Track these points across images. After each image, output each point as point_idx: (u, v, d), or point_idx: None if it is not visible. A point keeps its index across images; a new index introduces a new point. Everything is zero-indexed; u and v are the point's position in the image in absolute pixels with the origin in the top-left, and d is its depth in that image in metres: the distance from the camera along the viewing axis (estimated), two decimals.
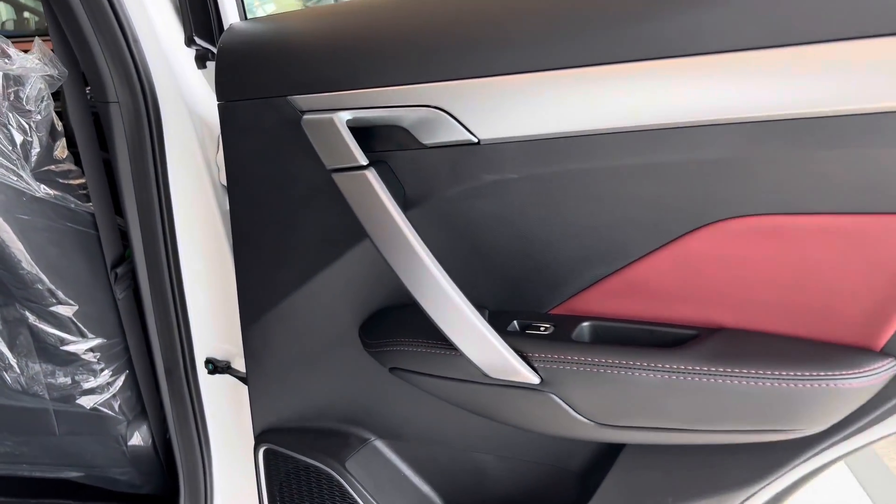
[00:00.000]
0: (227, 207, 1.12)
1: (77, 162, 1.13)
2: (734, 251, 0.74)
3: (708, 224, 0.74)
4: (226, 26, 0.95)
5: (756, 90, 0.64)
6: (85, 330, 1.16)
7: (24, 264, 1.05)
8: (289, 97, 0.84)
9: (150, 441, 1.31)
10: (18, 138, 1.00)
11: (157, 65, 1.02)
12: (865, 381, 0.67)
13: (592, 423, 0.78)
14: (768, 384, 0.68)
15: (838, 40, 0.60)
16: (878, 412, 0.72)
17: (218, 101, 0.90)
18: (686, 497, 0.83)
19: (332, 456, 1.01)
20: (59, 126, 1.10)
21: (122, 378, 1.24)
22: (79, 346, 1.17)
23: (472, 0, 0.77)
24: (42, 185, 1.04)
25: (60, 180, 1.09)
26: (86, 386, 1.20)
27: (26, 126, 1.01)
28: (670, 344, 0.76)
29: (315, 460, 1.02)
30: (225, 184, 1.11)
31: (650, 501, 0.86)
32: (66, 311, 1.12)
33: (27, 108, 1.01)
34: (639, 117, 0.70)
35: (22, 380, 1.19)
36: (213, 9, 0.95)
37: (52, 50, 1.07)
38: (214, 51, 1.03)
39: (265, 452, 1.08)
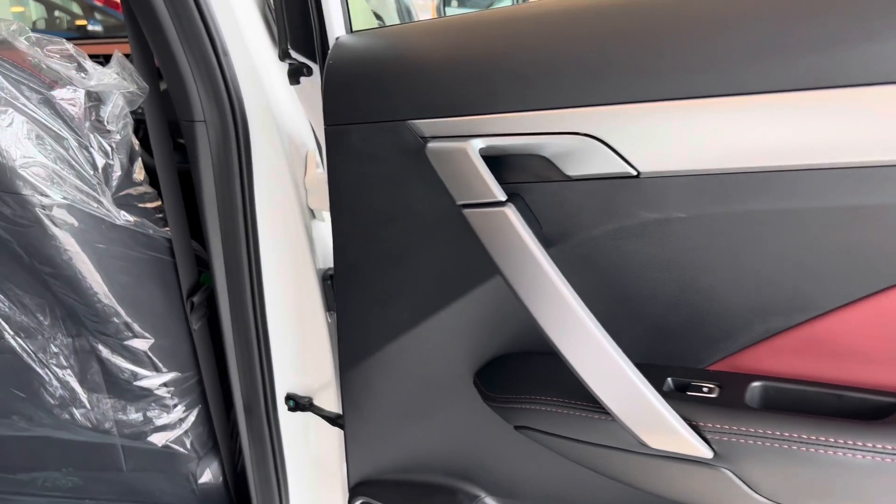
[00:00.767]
0: (313, 234, 1.03)
1: (152, 183, 1.04)
2: None
3: None
4: (331, 39, 0.85)
5: None
6: (159, 364, 1.08)
7: (101, 297, 0.97)
8: (409, 122, 0.74)
9: (221, 478, 1.22)
10: (100, 161, 0.91)
11: (247, 80, 0.92)
12: None
13: None
14: None
15: None
16: None
17: (326, 124, 0.80)
18: None
19: None
20: (137, 145, 1.02)
21: (195, 413, 1.15)
22: (153, 381, 1.08)
23: (640, 15, 0.66)
24: (122, 212, 0.96)
25: (139, 205, 1.00)
26: (158, 423, 1.12)
27: (108, 148, 0.92)
28: (870, 414, 0.65)
29: None
30: (312, 207, 1.03)
31: None
32: (142, 344, 1.04)
33: (108, 127, 0.93)
34: (843, 153, 0.59)
35: (92, 415, 1.11)
36: (315, 19, 0.85)
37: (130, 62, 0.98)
38: (311, 66, 0.94)
39: None
